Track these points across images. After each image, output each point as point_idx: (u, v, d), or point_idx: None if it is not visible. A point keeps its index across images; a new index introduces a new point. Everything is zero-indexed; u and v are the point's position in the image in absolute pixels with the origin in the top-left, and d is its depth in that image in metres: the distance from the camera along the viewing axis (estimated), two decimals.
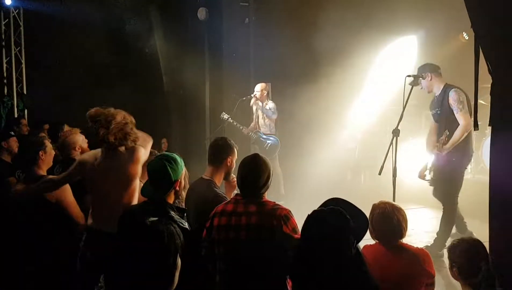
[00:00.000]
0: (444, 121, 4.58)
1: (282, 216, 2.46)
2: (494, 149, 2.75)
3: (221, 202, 2.89)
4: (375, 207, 2.63)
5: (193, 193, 3.14)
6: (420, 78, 4.58)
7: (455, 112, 4.47)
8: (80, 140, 4.02)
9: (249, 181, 2.58)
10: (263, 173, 2.59)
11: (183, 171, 2.73)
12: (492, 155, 2.77)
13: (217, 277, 2.58)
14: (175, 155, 2.73)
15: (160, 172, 2.59)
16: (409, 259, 2.54)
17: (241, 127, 7.09)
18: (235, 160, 3.18)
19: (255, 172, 2.58)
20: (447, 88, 4.61)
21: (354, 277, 1.86)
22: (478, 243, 2.44)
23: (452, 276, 2.47)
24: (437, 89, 4.70)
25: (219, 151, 3.13)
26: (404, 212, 2.64)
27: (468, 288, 2.37)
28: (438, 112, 4.72)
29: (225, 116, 7.02)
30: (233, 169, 3.17)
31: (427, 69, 4.68)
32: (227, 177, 3.17)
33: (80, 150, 3.94)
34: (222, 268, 2.56)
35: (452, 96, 4.47)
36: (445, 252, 2.52)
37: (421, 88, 4.74)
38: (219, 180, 3.14)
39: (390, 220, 2.56)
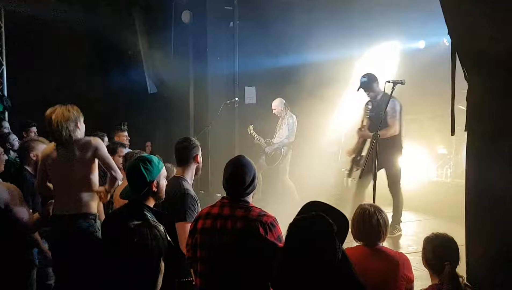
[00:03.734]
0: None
1: (268, 223, 2.45)
2: (469, 154, 2.82)
3: (191, 197, 3.00)
4: (358, 208, 2.67)
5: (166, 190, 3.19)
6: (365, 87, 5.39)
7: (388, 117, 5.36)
8: (41, 148, 3.84)
9: (235, 180, 2.56)
10: (248, 171, 2.57)
11: (161, 172, 2.75)
12: (468, 160, 2.83)
13: (198, 280, 2.56)
14: (153, 156, 2.77)
15: (134, 173, 2.65)
16: (388, 263, 2.57)
17: (258, 139, 7.16)
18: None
19: (240, 170, 2.56)
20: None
21: (342, 281, 1.87)
22: (450, 242, 2.50)
23: (423, 264, 2.57)
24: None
25: (186, 151, 3.22)
26: (385, 214, 2.68)
27: (434, 279, 2.45)
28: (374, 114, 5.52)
29: (251, 130, 7.23)
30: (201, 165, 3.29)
31: (376, 78, 5.58)
32: (198, 173, 3.28)
33: (35, 158, 3.84)
34: (203, 271, 2.54)
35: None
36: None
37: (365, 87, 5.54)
38: (190, 178, 3.23)
39: (370, 222, 2.59)
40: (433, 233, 2.57)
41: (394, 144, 5.51)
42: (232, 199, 2.58)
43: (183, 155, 3.22)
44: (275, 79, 7.78)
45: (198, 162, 3.25)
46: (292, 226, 1.95)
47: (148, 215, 2.51)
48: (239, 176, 2.56)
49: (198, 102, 8.48)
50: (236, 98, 7.64)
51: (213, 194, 6.92)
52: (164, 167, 2.81)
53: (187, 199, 3.02)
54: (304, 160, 7.41)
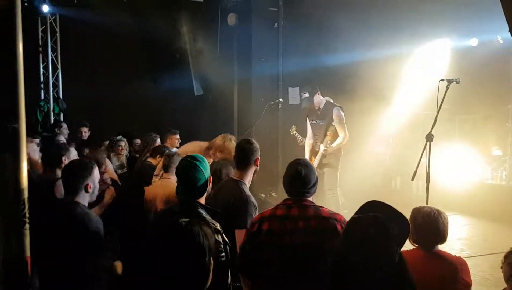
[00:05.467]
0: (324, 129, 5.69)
1: (343, 221, 2.43)
2: None
3: (253, 204, 2.96)
4: (418, 210, 2.60)
5: (221, 192, 3.17)
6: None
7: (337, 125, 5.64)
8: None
9: (302, 179, 2.51)
10: (312, 171, 2.57)
11: (209, 167, 2.74)
12: None
13: (266, 284, 2.51)
14: (197, 155, 2.71)
15: (194, 174, 2.54)
16: (446, 267, 2.50)
17: (302, 140, 7.00)
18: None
19: (306, 170, 2.53)
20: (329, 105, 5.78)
21: (398, 286, 1.82)
22: None
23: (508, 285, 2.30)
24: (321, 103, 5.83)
25: (246, 154, 3.15)
26: (447, 216, 2.60)
27: None
28: (320, 122, 5.80)
29: (294, 131, 7.03)
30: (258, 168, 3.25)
31: (317, 90, 5.76)
32: (254, 175, 3.23)
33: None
34: (273, 274, 2.48)
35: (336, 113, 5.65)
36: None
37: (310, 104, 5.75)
38: (248, 181, 3.18)
39: (435, 224, 2.53)
40: None
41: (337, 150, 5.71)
42: (297, 200, 2.53)
43: (244, 158, 3.15)
44: (319, 79, 7.70)
45: (257, 165, 3.19)
46: (349, 225, 1.91)
47: (203, 213, 2.51)
48: (306, 175, 2.53)
49: (242, 103, 8.55)
50: (280, 99, 7.62)
51: (256, 194, 6.94)
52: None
53: (250, 206, 2.97)
54: (350, 160, 7.29)
